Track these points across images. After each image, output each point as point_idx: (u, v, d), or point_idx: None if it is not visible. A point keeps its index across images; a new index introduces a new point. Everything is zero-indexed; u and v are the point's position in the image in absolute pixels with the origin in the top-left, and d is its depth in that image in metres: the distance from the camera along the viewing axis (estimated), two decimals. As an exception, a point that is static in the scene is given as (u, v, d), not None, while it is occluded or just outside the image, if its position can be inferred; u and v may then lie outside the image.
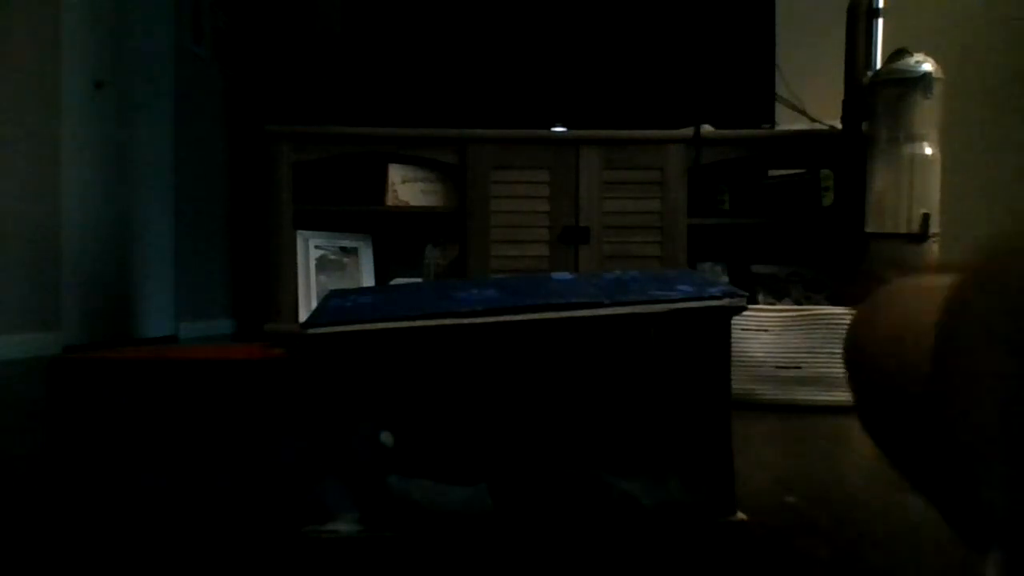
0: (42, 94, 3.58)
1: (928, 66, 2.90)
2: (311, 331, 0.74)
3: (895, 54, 2.99)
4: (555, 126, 3.39)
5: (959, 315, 0.36)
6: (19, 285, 3.44)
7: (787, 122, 3.40)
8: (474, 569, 0.72)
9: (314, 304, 3.16)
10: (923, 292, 0.48)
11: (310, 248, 3.30)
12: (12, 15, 3.45)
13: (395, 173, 3.32)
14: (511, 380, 0.75)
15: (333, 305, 0.80)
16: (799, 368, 2.09)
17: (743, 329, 2.08)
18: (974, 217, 3.87)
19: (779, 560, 0.68)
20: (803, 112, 3.33)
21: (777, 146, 3.30)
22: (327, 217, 3.35)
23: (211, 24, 4.72)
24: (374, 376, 0.74)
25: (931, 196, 2.92)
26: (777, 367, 2.09)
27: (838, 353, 2.08)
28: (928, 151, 2.91)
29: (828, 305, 2.66)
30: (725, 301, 0.78)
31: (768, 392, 2.09)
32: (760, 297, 3.18)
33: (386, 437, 0.74)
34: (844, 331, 0.62)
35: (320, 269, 3.31)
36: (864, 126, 3.06)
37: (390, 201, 3.31)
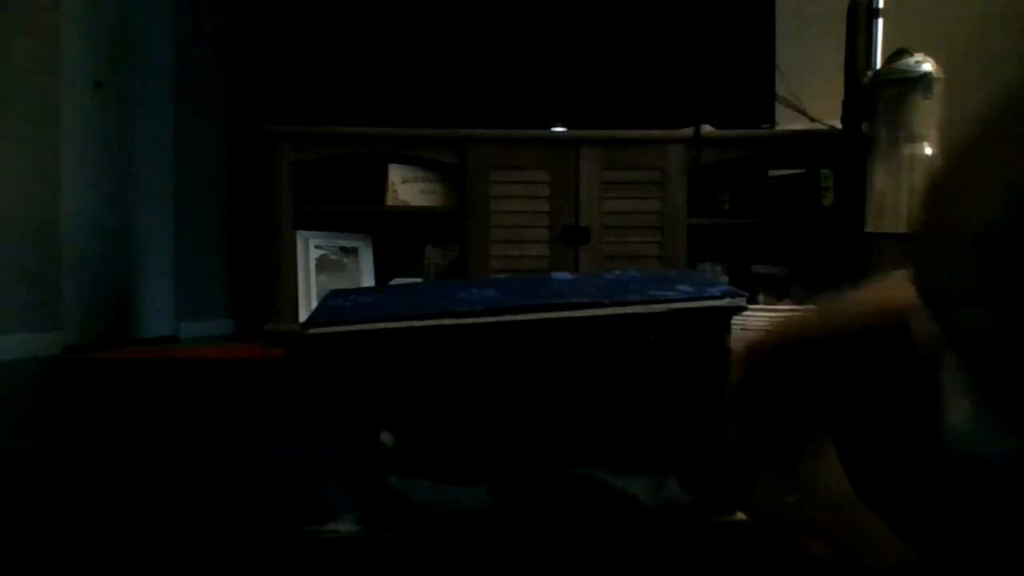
0: (42, 94, 3.58)
1: (928, 66, 2.90)
2: (311, 331, 0.74)
3: (895, 54, 2.99)
4: (555, 126, 3.39)
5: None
6: (19, 285, 3.44)
7: (787, 122, 3.40)
8: (474, 569, 0.72)
9: (314, 304, 3.16)
10: None
11: (310, 248, 3.30)
12: (12, 15, 3.45)
13: (395, 173, 3.32)
14: (511, 380, 0.75)
15: (333, 305, 0.80)
16: (799, 368, 2.08)
17: (743, 329, 2.08)
18: (974, 217, 3.86)
19: (779, 560, 0.68)
20: (803, 112, 3.34)
21: (777, 146, 3.30)
22: (327, 217, 3.35)
23: (211, 24, 4.71)
24: (374, 376, 0.74)
25: (931, 196, 2.92)
26: (777, 367, 2.09)
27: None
28: (928, 151, 2.91)
29: (828, 305, 2.66)
30: (725, 301, 0.78)
31: (768, 392, 2.09)
32: (760, 297, 3.18)
33: (386, 437, 0.74)
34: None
35: (320, 269, 3.31)
36: (864, 126, 3.06)
37: (390, 201, 3.31)
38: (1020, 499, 0.34)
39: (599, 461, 0.75)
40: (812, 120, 3.31)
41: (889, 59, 3.01)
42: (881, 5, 3.13)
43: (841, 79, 3.20)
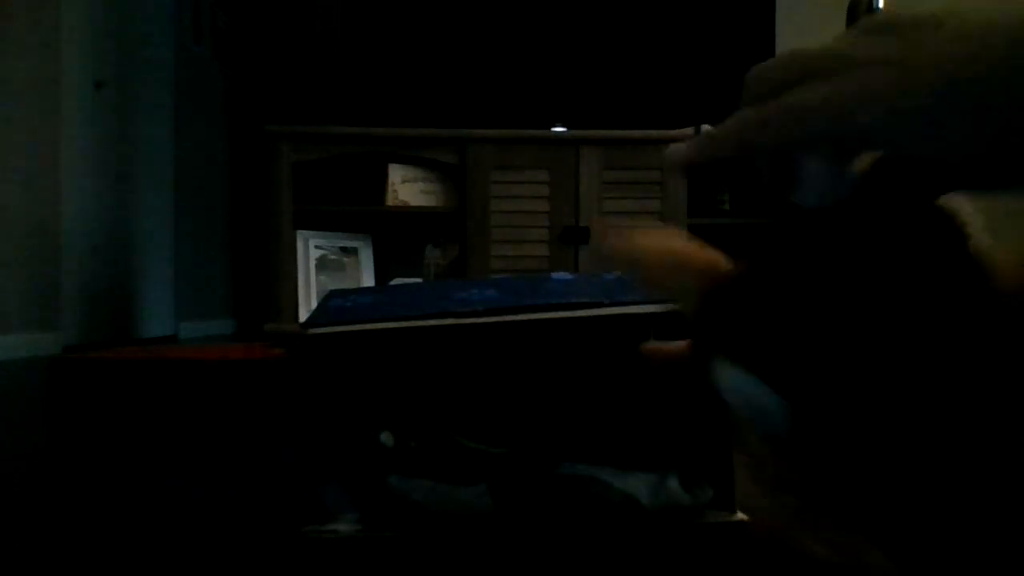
0: (42, 94, 3.58)
1: (928, 66, 2.90)
2: (311, 331, 0.74)
3: (895, 54, 2.99)
4: (555, 126, 3.38)
5: None
6: (19, 285, 3.44)
7: (787, 122, 3.39)
8: (474, 569, 0.72)
9: (314, 304, 3.15)
10: None
11: (310, 248, 3.30)
12: (12, 15, 3.45)
13: (395, 173, 3.32)
14: (511, 380, 0.75)
15: (333, 305, 0.80)
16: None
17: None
18: (974, 217, 3.87)
19: (779, 560, 0.68)
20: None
21: (777, 146, 3.30)
22: (327, 217, 3.34)
23: (211, 24, 4.72)
24: (374, 376, 0.74)
25: (931, 196, 2.92)
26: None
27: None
28: (928, 151, 2.91)
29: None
30: (725, 301, 0.78)
31: (768, 392, 2.09)
32: (760, 297, 3.18)
33: (386, 437, 0.74)
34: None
35: (320, 269, 3.31)
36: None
37: (390, 201, 3.31)
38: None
39: (599, 461, 0.75)
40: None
41: (889, 59, 3.01)
42: (881, 5, 3.13)
43: (841, 79, 3.19)
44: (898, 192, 0.34)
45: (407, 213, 3.34)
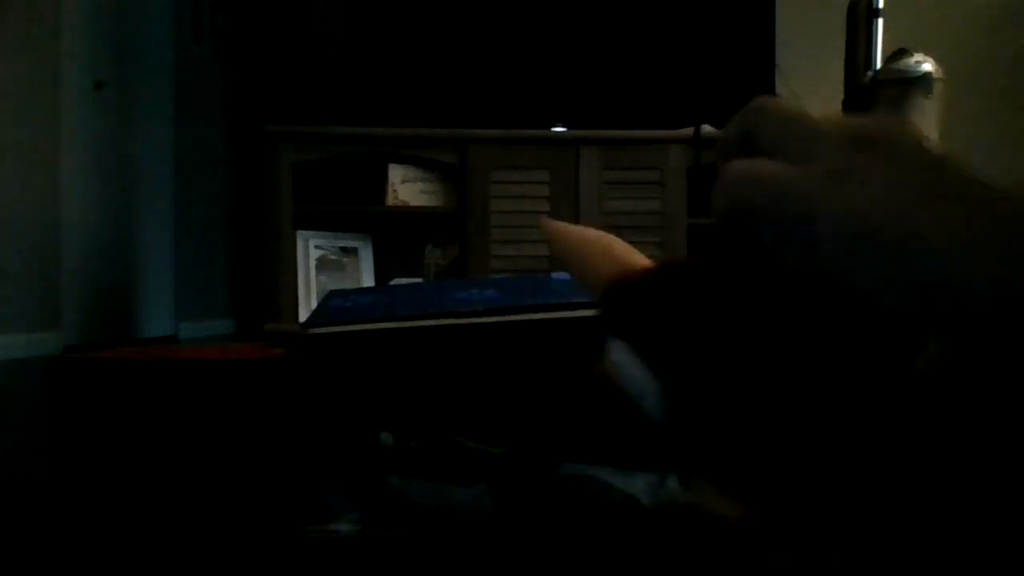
0: (42, 94, 3.58)
1: (928, 66, 2.90)
2: (311, 331, 0.74)
3: (895, 54, 2.99)
4: (555, 126, 3.38)
5: None
6: (19, 285, 3.44)
7: (787, 122, 3.39)
8: (474, 569, 0.72)
9: (314, 304, 3.15)
10: None
11: (310, 248, 3.30)
12: (12, 15, 3.45)
13: (395, 173, 3.32)
14: (511, 380, 0.75)
15: (333, 305, 0.80)
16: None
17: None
18: (974, 217, 3.87)
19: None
20: (803, 112, 3.33)
21: (777, 146, 3.30)
22: (327, 217, 3.34)
23: (211, 24, 4.71)
24: (374, 376, 0.74)
25: (931, 196, 2.92)
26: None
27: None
28: (928, 151, 2.91)
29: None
30: (725, 301, 0.78)
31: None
32: (760, 297, 3.18)
33: (386, 437, 0.74)
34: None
35: (320, 269, 3.31)
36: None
37: (390, 201, 3.31)
38: None
39: (599, 461, 0.75)
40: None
41: (889, 59, 3.01)
42: (881, 5, 3.13)
43: (841, 79, 3.19)
44: None
45: (407, 213, 3.34)
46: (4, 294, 3.35)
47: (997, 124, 3.87)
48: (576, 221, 3.24)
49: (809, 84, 3.41)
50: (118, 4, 4.09)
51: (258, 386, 0.93)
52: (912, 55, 2.92)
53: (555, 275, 0.86)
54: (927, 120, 2.91)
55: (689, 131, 3.22)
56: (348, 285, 3.30)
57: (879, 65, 3.08)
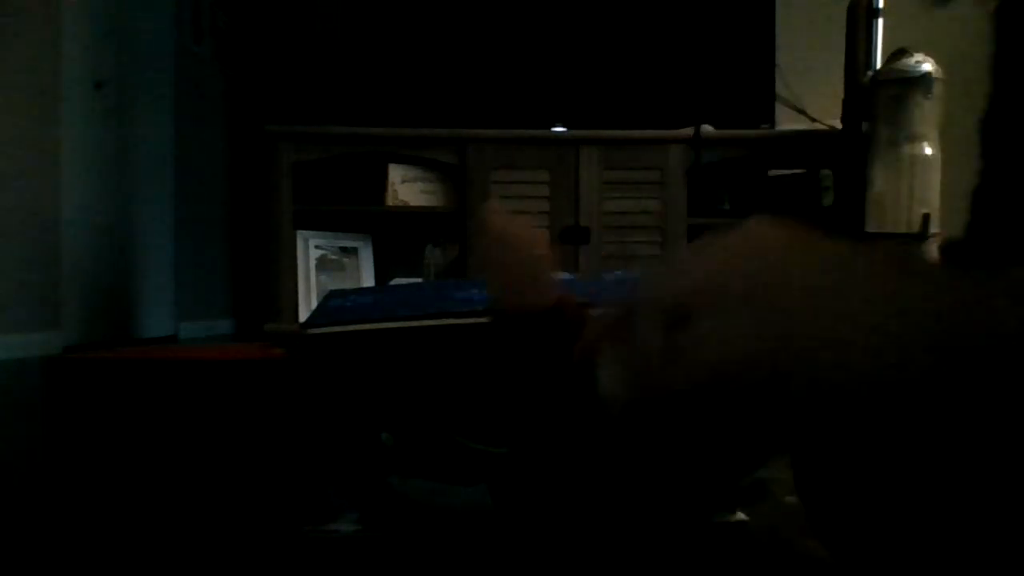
0: (42, 94, 3.58)
1: (928, 66, 2.90)
2: (311, 331, 0.74)
3: (895, 54, 2.99)
4: (555, 126, 3.38)
5: None
6: (19, 285, 3.44)
7: (787, 122, 3.40)
8: (474, 568, 0.72)
9: (314, 304, 3.15)
10: None
11: (310, 248, 3.30)
12: (12, 15, 3.45)
13: (395, 173, 3.32)
14: (511, 380, 0.75)
15: (333, 305, 0.80)
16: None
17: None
18: (974, 217, 3.86)
19: (779, 560, 0.68)
20: (803, 112, 3.33)
21: (777, 146, 3.29)
22: (327, 217, 3.34)
23: (211, 24, 4.71)
24: (374, 376, 0.74)
25: (931, 196, 2.92)
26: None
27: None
28: (928, 151, 2.91)
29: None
30: (725, 301, 0.78)
31: (768, 392, 2.08)
32: (760, 297, 3.17)
33: (386, 437, 0.74)
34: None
35: (320, 269, 3.31)
36: (864, 126, 3.05)
37: (390, 201, 3.31)
38: None
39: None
40: (812, 120, 3.31)
41: (889, 59, 3.01)
42: (881, 5, 3.13)
43: (841, 79, 3.19)
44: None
45: (407, 213, 3.34)
46: (4, 294, 3.35)
47: (997, 124, 3.86)
48: (576, 221, 3.24)
49: (809, 84, 3.41)
50: (118, 4, 4.09)
51: (258, 386, 0.93)
52: (912, 55, 2.92)
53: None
54: (927, 120, 2.91)
55: (689, 131, 3.22)
56: (348, 285, 3.30)
57: (879, 65, 3.08)
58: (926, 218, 2.89)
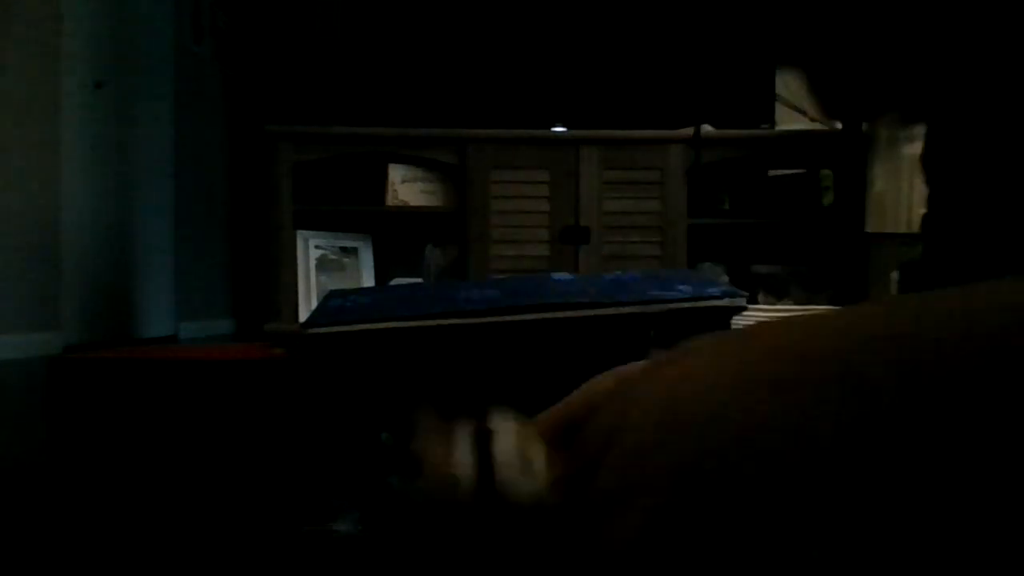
0: (42, 94, 3.58)
1: (928, 66, 2.90)
2: (311, 331, 0.74)
3: (895, 54, 2.99)
4: (555, 126, 3.38)
5: None
6: (19, 285, 3.44)
7: (787, 122, 3.39)
8: (474, 567, 0.72)
9: (314, 304, 3.15)
10: None
11: (310, 248, 3.30)
12: (12, 16, 3.45)
13: (395, 173, 3.32)
14: (511, 380, 0.75)
15: (333, 305, 0.80)
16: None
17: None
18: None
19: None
20: (803, 112, 3.33)
21: (777, 146, 3.29)
22: (327, 217, 3.34)
23: (211, 24, 4.71)
24: (374, 376, 0.74)
25: (931, 196, 2.92)
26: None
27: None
28: (928, 151, 2.91)
29: (828, 305, 2.66)
30: (725, 301, 0.78)
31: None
32: (760, 297, 3.18)
33: (386, 437, 0.74)
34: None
35: (320, 269, 3.31)
36: (864, 126, 3.05)
37: (390, 201, 3.31)
38: None
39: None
40: (812, 120, 3.31)
41: (889, 59, 3.01)
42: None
43: (841, 79, 3.19)
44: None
45: (407, 213, 3.34)
46: (4, 294, 3.36)
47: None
48: (576, 221, 3.24)
49: (809, 84, 3.40)
50: (118, 4, 4.09)
51: (258, 386, 0.93)
52: (912, 55, 2.92)
53: (555, 275, 0.86)
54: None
55: (689, 131, 3.22)
56: (348, 285, 3.30)
57: (879, 65, 3.08)
58: (926, 218, 2.89)
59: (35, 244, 3.54)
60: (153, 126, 4.34)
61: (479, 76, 3.47)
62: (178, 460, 0.97)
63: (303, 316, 3.13)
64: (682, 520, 0.30)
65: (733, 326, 0.88)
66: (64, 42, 3.67)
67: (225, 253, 4.91)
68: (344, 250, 3.39)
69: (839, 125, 3.16)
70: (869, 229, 2.99)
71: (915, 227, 2.93)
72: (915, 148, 3.02)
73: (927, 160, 0.50)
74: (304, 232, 3.30)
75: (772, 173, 3.37)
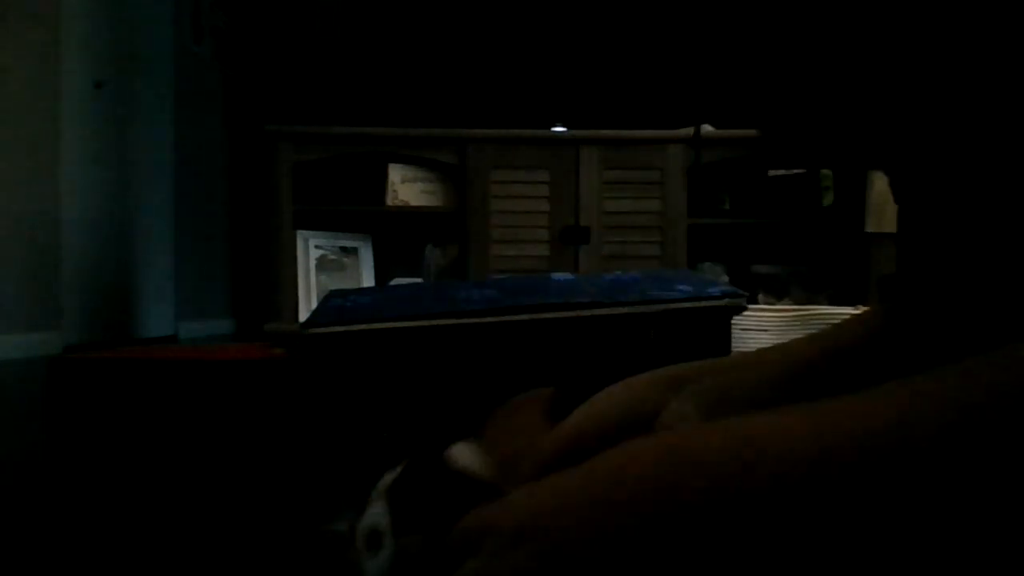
0: (42, 94, 3.58)
1: (928, 66, 2.89)
2: (311, 331, 0.74)
3: (895, 54, 2.99)
4: (555, 126, 3.38)
5: None
6: (19, 285, 3.44)
7: (787, 122, 3.39)
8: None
9: (314, 304, 3.15)
10: None
11: (310, 248, 3.30)
12: (12, 15, 3.45)
13: (395, 173, 3.32)
14: (511, 380, 0.75)
15: (333, 305, 0.80)
16: (799, 368, 2.08)
17: (743, 329, 2.07)
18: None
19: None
20: (803, 112, 3.33)
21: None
22: (327, 217, 3.34)
23: (211, 24, 4.71)
24: (374, 376, 0.74)
25: (931, 196, 2.91)
26: (777, 367, 2.08)
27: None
28: (928, 151, 2.91)
29: (828, 305, 2.66)
30: (725, 301, 0.78)
31: (768, 392, 2.08)
32: (760, 297, 3.18)
33: (386, 437, 0.74)
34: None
35: (320, 269, 3.31)
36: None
37: (390, 201, 3.31)
38: None
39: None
40: (812, 120, 3.30)
41: (889, 59, 3.00)
42: None
43: (841, 79, 3.19)
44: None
45: (407, 213, 3.34)
46: (4, 294, 3.36)
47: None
48: (576, 221, 3.24)
49: (809, 84, 3.40)
50: (118, 4, 4.09)
51: (258, 386, 0.93)
52: (912, 55, 2.92)
53: (555, 275, 0.86)
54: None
55: (689, 131, 3.22)
56: (348, 285, 3.30)
57: (879, 65, 3.07)
58: (926, 218, 2.88)
59: (35, 244, 3.54)
60: (153, 126, 4.34)
61: (479, 76, 3.47)
62: (178, 460, 0.97)
63: (303, 316, 3.13)
64: None
65: (733, 326, 0.88)
66: (64, 42, 3.67)
67: (225, 253, 4.91)
68: (344, 250, 3.39)
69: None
70: (869, 229, 2.98)
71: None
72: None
73: (897, 195, 0.52)
74: (304, 232, 3.30)
75: (772, 173, 3.37)
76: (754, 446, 0.34)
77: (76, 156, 3.77)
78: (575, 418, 0.57)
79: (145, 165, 4.29)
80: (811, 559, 0.33)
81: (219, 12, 4.75)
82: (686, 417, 0.54)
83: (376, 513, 0.48)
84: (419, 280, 3.21)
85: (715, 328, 0.77)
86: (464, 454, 0.52)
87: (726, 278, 3.24)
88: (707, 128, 3.23)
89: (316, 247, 3.31)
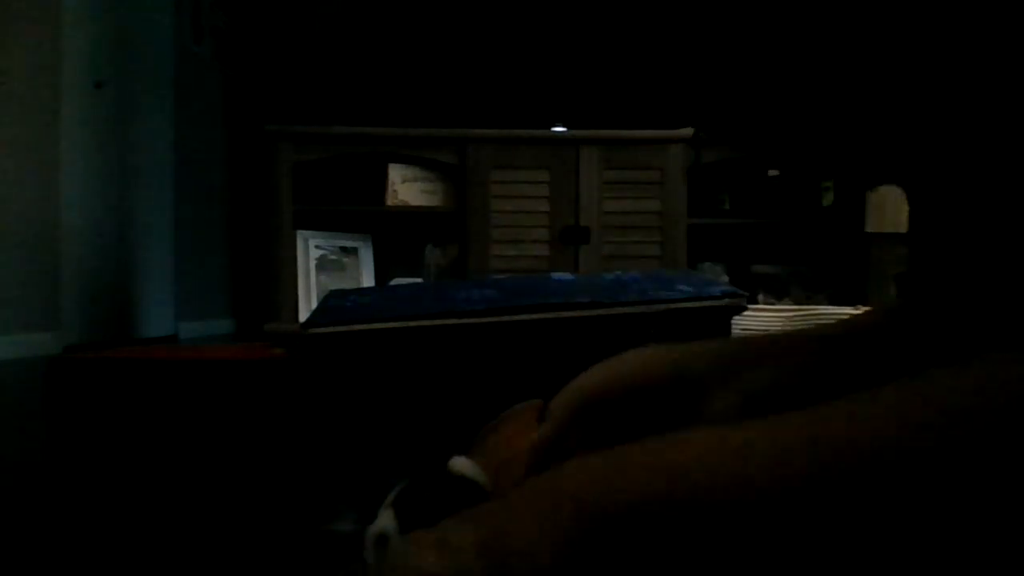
0: (42, 94, 3.58)
1: (928, 66, 2.90)
2: (311, 331, 0.74)
3: (895, 54, 2.99)
4: (555, 126, 3.38)
5: None
6: (19, 285, 3.44)
7: (787, 122, 3.39)
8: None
9: (314, 304, 3.15)
10: None
11: (310, 248, 3.30)
12: (12, 15, 3.45)
13: (395, 173, 3.32)
14: (511, 379, 0.75)
15: (333, 305, 0.80)
16: (799, 368, 2.08)
17: (743, 329, 2.07)
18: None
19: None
20: (803, 112, 3.33)
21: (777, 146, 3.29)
22: (327, 217, 3.34)
23: (211, 24, 4.71)
24: (374, 376, 0.74)
25: (931, 196, 2.91)
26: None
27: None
28: (928, 151, 2.91)
29: (828, 305, 2.66)
30: (725, 301, 0.78)
31: (768, 392, 2.08)
32: (760, 297, 3.18)
33: (386, 438, 0.74)
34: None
35: (320, 269, 3.31)
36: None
37: (390, 201, 3.31)
38: None
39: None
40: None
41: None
42: None
43: (841, 79, 3.19)
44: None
45: (407, 213, 3.34)
46: (4, 294, 3.36)
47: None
48: (576, 221, 3.24)
49: (809, 84, 3.40)
50: (118, 4, 4.09)
51: (258, 386, 0.93)
52: (912, 55, 2.92)
53: (555, 275, 0.86)
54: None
55: (689, 131, 3.22)
56: (348, 285, 3.30)
57: (879, 65, 3.08)
58: (926, 218, 2.88)
59: (35, 244, 3.54)
60: (153, 126, 4.34)
61: (479, 76, 3.47)
62: (178, 460, 0.97)
63: (303, 316, 3.13)
64: None
65: (733, 326, 0.88)
66: (64, 42, 3.67)
67: (225, 253, 4.91)
68: (344, 250, 3.39)
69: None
70: (869, 229, 2.99)
71: (915, 227, 2.94)
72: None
73: (910, 241, 0.54)
74: (304, 232, 3.30)
75: (772, 173, 3.37)
76: (742, 456, 0.35)
77: (76, 156, 3.76)
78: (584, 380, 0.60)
79: (145, 165, 4.29)
80: (802, 570, 0.33)
81: (219, 12, 4.75)
82: (731, 409, 0.55)
83: (384, 519, 0.49)
84: (419, 280, 3.21)
85: (715, 328, 0.77)
86: (463, 462, 0.54)
87: (726, 278, 3.24)
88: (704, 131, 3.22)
89: (316, 247, 3.31)
